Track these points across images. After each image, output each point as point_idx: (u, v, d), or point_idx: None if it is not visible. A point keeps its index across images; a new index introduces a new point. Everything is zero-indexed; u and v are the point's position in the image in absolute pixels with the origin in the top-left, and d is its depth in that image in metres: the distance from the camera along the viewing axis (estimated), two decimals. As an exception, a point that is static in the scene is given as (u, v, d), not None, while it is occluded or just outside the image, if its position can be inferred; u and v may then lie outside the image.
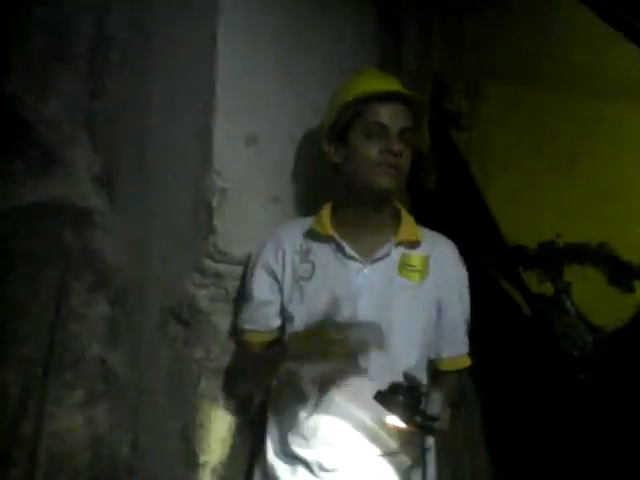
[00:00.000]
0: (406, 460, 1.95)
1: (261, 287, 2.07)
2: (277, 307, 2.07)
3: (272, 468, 2.01)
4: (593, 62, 2.35)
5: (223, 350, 2.18)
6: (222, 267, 2.18)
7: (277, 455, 2.02)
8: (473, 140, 2.52)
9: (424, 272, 2.02)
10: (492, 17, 2.52)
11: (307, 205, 2.20)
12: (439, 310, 2.04)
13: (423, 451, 1.84)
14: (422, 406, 1.76)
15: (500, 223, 2.42)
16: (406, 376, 1.80)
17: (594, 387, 2.27)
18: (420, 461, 1.88)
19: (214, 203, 2.17)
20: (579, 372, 2.31)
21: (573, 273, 2.31)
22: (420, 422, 1.77)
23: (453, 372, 2.10)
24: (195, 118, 2.23)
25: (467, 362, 2.11)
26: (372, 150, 1.99)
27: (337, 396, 1.94)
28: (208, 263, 2.17)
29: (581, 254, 2.29)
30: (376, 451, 1.94)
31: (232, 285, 2.20)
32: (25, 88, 2.46)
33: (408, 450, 1.94)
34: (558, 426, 2.46)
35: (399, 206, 2.12)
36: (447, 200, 2.57)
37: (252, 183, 2.25)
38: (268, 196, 2.27)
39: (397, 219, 2.08)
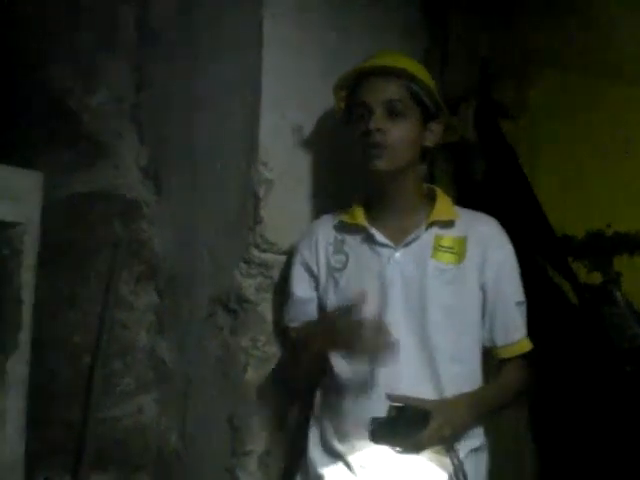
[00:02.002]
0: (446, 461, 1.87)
1: (300, 285, 2.07)
2: (316, 303, 2.06)
3: (312, 463, 1.99)
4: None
5: (269, 339, 2.19)
6: (268, 257, 2.19)
7: (318, 450, 1.99)
8: (521, 129, 2.50)
9: (461, 254, 1.94)
10: (541, 4, 2.48)
11: (352, 194, 2.19)
12: (485, 295, 1.95)
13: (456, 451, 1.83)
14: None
15: (548, 213, 2.39)
16: (388, 397, 1.81)
17: (643, 379, 2.25)
18: (465, 460, 1.87)
19: (260, 193, 2.17)
20: (628, 364, 2.27)
21: (623, 263, 2.27)
22: (402, 443, 1.79)
23: (512, 359, 1.98)
24: (241, 109, 2.23)
25: (526, 347, 1.98)
26: (357, 133, 1.96)
27: (375, 394, 1.90)
28: (255, 253, 2.18)
29: (631, 244, 2.25)
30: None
31: (278, 275, 2.20)
32: (73, 80, 2.50)
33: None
34: (607, 419, 2.43)
35: (436, 190, 2.06)
36: (494, 190, 2.55)
37: (298, 173, 2.25)
38: (314, 186, 2.27)
39: (432, 200, 2.02)
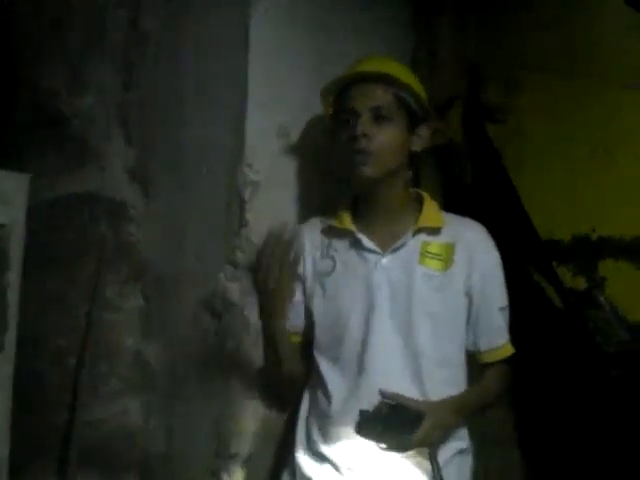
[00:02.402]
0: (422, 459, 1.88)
1: None
2: (301, 307, 2.06)
3: (300, 465, 1.99)
4: (632, 54, 2.31)
5: (255, 342, 2.18)
6: (254, 260, 2.18)
7: (305, 452, 2.00)
8: (508, 132, 2.50)
9: (448, 260, 1.95)
10: (529, 7, 2.49)
11: (340, 198, 2.19)
12: (471, 300, 1.97)
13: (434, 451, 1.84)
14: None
15: (534, 217, 2.40)
16: (381, 394, 1.80)
17: (628, 383, 2.25)
18: (450, 462, 1.89)
19: (246, 196, 2.17)
20: (613, 368, 2.28)
21: (607, 268, 2.28)
22: (390, 441, 1.79)
23: (495, 363, 2.01)
24: (228, 111, 2.23)
25: (509, 351, 2.01)
26: (343, 138, 1.96)
27: (361, 397, 1.90)
28: (241, 256, 2.18)
29: (616, 248, 2.26)
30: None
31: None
32: (60, 82, 2.50)
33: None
34: (591, 422, 2.44)
35: (423, 194, 2.06)
36: (481, 194, 2.56)
37: (284, 176, 2.26)
38: (300, 189, 2.27)
39: (419, 205, 2.03)
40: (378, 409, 1.80)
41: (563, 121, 2.41)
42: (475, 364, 2.04)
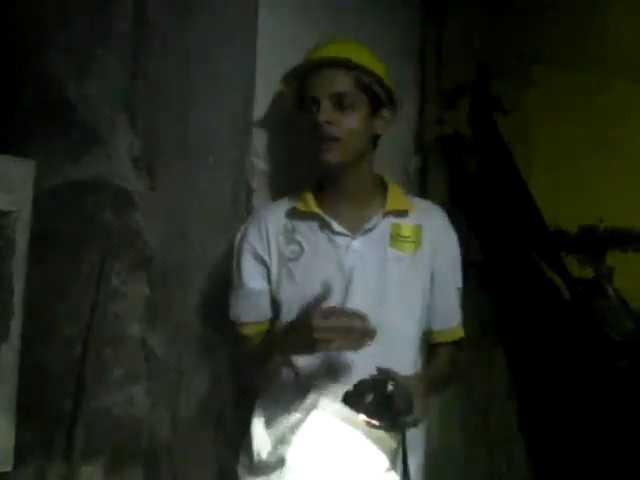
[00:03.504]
0: (392, 443, 1.86)
1: (250, 276, 1.98)
2: (268, 295, 1.99)
3: (256, 462, 1.96)
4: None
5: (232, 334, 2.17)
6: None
7: (260, 451, 1.95)
8: (516, 124, 2.49)
9: (417, 242, 1.95)
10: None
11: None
12: (432, 280, 1.97)
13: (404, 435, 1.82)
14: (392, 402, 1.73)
15: (542, 207, 2.39)
16: (379, 370, 1.75)
17: (636, 373, 2.25)
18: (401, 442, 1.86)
19: (253, 185, 2.17)
20: (621, 357, 2.28)
21: (615, 258, 2.28)
22: (388, 420, 1.75)
23: (446, 345, 2.02)
24: (235, 99, 2.23)
25: (460, 333, 2.04)
26: (307, 126, 1.94)
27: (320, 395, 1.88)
28: (247, 244, 2.17)
29: (623, 239, 2.26)
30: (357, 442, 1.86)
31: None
32: (67, 69, 2.49)
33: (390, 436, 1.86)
34: (598, 411, 2.44)
35: (385, 178, 2.04)
36: (488, 183, 2.55)
37: (291, 165, 2.25)
38: (306, 178, 2.26)
39: (383, 189, 2.01)
40: (373, 383, 1.75)
41: (571, 113, 2.40)
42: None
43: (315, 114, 1.90)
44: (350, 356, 1.85)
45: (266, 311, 2.00)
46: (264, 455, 1.94)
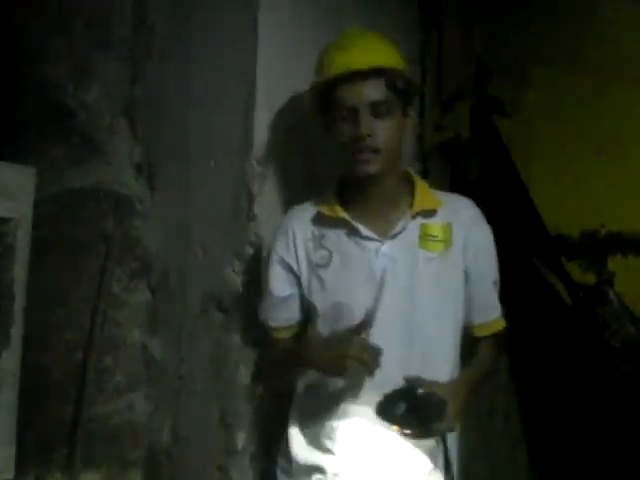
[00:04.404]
0: (430, 442, 1.87)
1: (278, 283, 2.00)
2: (297, 301, 2.01)
3: (295, 467, 1.97)
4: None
5: (263, 337, 2.18)
6: (262, 254, 2.18)
7: (298, 456, 1.97)
8: (516, 127, 2.49)
9: (447, 241, 1.94)
10: (538, 2, 2.48)
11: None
12: (467, 276, 1.96)
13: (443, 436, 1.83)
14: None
15: (543, 212, 2.39)
16: (406, 379, 1.77)
17: (637, 378, 2.24)
18: (441, 442, 1.87)
19: (254, 190, 2.17)
20: (621, 363, 2.28)
21: (617, 263, 2.27)
22: (417, 428, 1.77)
23: (488, 337, 2.01)
24: (235, 104, 2.22)
25: (502, 324, 2.03)
26: (345, 136, 1.89)
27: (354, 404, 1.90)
28: (248, 250, 2.17)
29: (625, 244, 2.25)
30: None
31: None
32: (66, 75, 2.49)
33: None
34: (600, 417, 2.44)
35: (411, 174, 2.02)
36: (489, 188, 2.55)
37: (292, 170, 2.25)
38: (308, 183, 2.26)
39: (410, 188, 1.99)
40: (401, 393, 1.77)
41: (572, 116, 2.40)
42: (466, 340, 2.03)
43: (354, 125, 1.87)
44: (383, 360, 1.81)
45: (294, 315, 2.03)
46: (301, 460, 1.96)
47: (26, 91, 2.50)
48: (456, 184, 2.56)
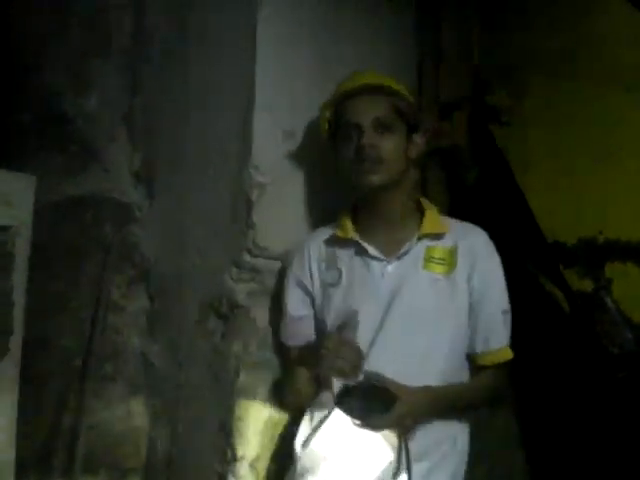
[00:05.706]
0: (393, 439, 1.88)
1: (294, 303, 2.09)
2: (312, 320, 2.08)
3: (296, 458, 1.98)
4: (637, 56, 2.31)
5: (261, 344, 2.19)
6: (260, 262, 2.19)
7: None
8: (513, 135, 2.50)
9: (451, 264, 1.99)
10: (535, 11, 2.49)
11: (345, 201, 2.19)
12: (472, 302, 1.98)
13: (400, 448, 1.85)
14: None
15: (540, 219, 2.39)
16: (366, 373, 1.84)
17: (635, 385, 2.24)
18: (443, 461, 1.92)
19: (253, 198, 2.17)
20: (619, 370, 2.28)
21: (614, 270, 2.28)
22: (363, 419, 1.83)
23: (491, 367, 2.01)
24: (234, 113, 2.23)
25: (507, 355, 2.01)
26: (349, 151, 1.99)
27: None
28: (247, 258, 2.18)
29: (622, 251, 2.26)
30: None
31: (270, 280, 2.21)
32: (65, 84, 2.50)
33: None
34: (597, 424, 2.44)
35: (424, 202, 2.10)
36: (486, 196, 2.55)
37: (291, 178, 2.25)
38: (307, 191, 2.27)
39: (420, 213, 2.06)
40: (358, 385, 1.84)
41: (569, 123, 2.40)
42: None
43: (356, 139, 1.97)
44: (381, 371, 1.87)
45: (310, 335, 2.08)
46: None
47: (25, 99, 2.51)
48: (454, 192, 2.57)
